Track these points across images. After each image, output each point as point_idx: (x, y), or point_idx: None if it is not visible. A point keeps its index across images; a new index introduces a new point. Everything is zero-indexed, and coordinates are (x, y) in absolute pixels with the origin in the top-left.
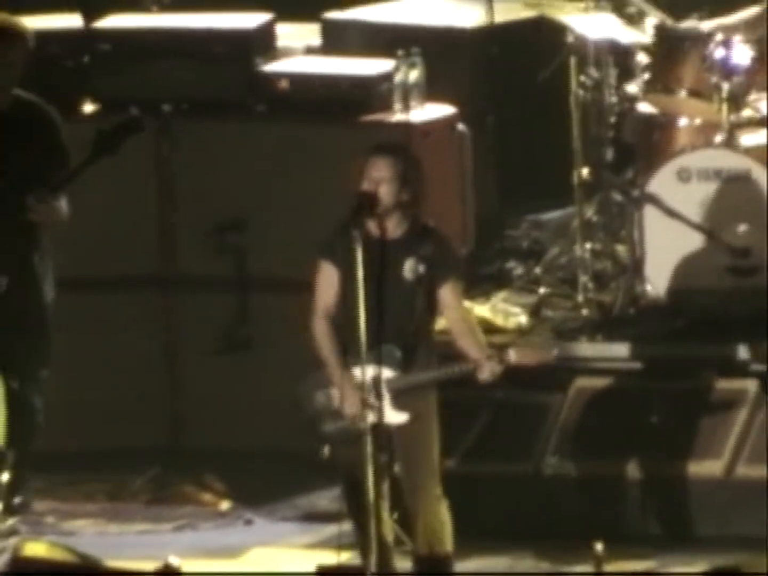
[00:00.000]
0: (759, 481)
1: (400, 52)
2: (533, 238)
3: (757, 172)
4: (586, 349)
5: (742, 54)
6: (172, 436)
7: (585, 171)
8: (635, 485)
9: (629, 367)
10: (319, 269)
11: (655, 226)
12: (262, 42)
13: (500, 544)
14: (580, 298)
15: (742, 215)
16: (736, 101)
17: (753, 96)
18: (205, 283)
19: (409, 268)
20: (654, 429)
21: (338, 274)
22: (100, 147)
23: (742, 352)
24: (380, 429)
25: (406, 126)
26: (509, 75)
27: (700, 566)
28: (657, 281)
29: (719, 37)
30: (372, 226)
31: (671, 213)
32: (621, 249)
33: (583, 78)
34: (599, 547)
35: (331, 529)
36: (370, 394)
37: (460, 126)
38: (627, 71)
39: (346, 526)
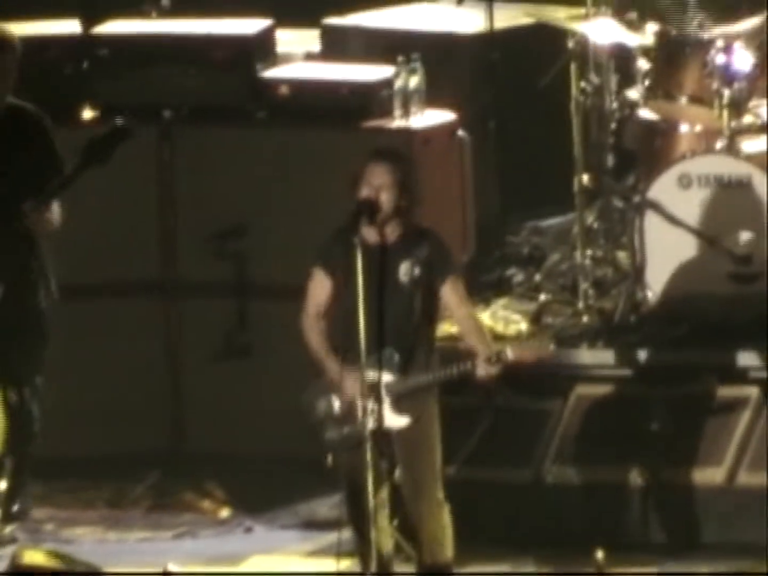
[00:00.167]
0: (761, 488)
1: (400, 58)
2: (534, 244)
3: (758, 178)
4: (587, 355)
5: (743, 60)
6: (172, 442)
7: (586, 177)
8: (636, 492)
9: (630, 374)
10: (312, 275)
11: (656, 233)
12: (262, 48)
13: (501, 550)
14: (580, 304)
15: (743, 222)
16: (737, 107)
17: (754, 102)
18: (205, 289)
19: (405, 271)
20: (655, 436)
21: (331, 282)
22: (91, 155)
23: (744, 358)
24: (381, 434)
25: (407, 132)
26: (510, 81)
27: (702, 573)
28: (658, 288)
29: (720, 43)
30: (369, 232)
31: (672, 219)
32: (622, 255)
33: (583, 84)
34: (600, 554)
35: (330, 537)
36: (371, 398)
37: (461, 132)
38: (628, 77)
39: (346, 534)
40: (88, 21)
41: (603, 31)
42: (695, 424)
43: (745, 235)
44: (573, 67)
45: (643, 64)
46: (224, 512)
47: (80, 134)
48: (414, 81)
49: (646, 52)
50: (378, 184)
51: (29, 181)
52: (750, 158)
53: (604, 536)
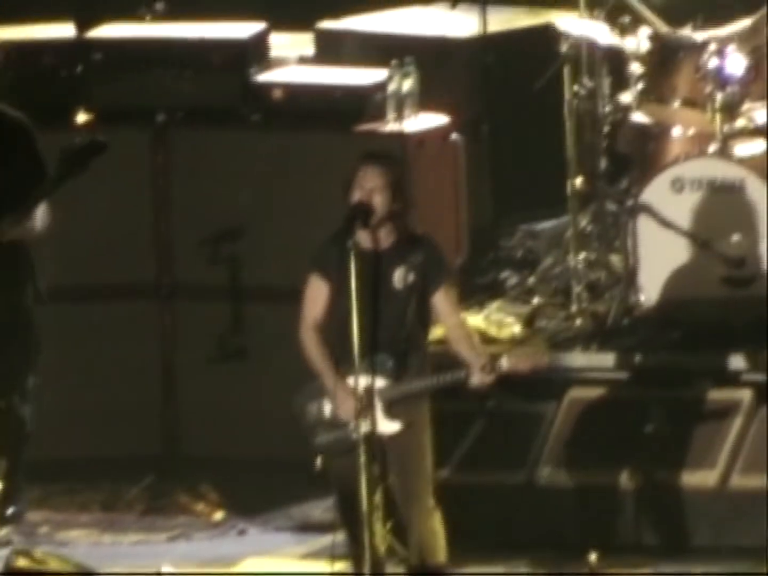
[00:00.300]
0: (754, 491)
1: (393, 62)
2: (527, 247)
3: (751, 181)
4: (580, 359)
5: (736, 63)
6: (166, 446)
7: (579, 181)
8: (629, 495)
9: (623, 377)
10: (308, 282)
11: (649, 236)
12: (257, 51)
13: (494, 554)
14: (574, 308)
15: (736, 225)
16: (730, 111)
17: (747, 105)
18: (200, 293)
19: (399, 277)
20: (648, 439)
21: (328, 287)
22: (67, 168)
23: (737, 361)
24: (373, 439)
25: (400, 135)
26: (503, 84)
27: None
28: (651, 291)
29: (713, 46)
30: (362, 237)
31: (665, 223)
32: (615, 259)
33: (577, 87)
34: (594, 556)
35: (325, 540)
36: (364, 403)
37: (454, 135)
38: (621, 81)
39: (340, 537)
40: (83, 25)
41: (596, 33)
42: (688, 426)
43: (737, 239)
44: (566, 70)
45: (636, 67)
46: (218, 515)
47: (74, 138)
48: (408, 84)
49: (639, 55)
50: (370, 187)
51: (11, 190)
52: (743, 162)
53: (598, 539)
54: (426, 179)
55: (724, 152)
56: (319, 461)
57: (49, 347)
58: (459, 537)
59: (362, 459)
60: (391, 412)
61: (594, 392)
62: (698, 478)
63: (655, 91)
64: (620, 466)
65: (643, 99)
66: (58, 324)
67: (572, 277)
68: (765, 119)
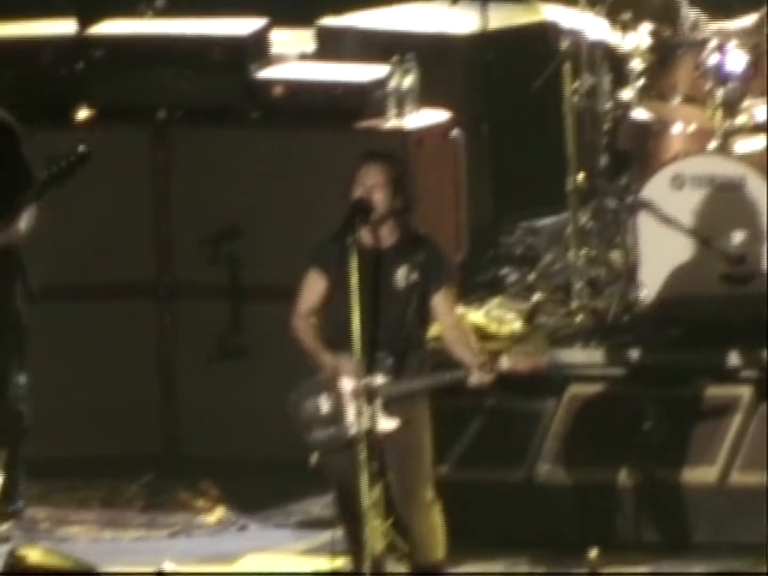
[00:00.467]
0: (753, 487)
1: (394, 59)
2: (527, 244)
3: (752, 178)
4: (580, 355)
5: (736, 60)
6: (166, 444)
7: (579, 177)
8: (629, 492)
9: (623, 374)
10: (306, 276)
11: (649, 233)
12: (257, 48)
13: (493, 550)
14: (574, 304)
15: (736, 222)
16: (731, 108)
17: (747, 102)
18: (199, 292)
19: (401, 276)
20: (648, 435)
21: (325, 282)
22: (53, 179)
23: (736, 359)
24: (371, 436)
25: (401, 132)
26: (504, 81)
27: (695, 573)
28: (651, 288)
29: (713, 43)
30: (364, 235)
31: (665, 220)
32: (615, 256)
33: (577, 84)
34: (593, 553)
35: (325, 536)
36: (363, 400)
37: (455, 132)
38: (621, 77)
39: (340, 533)
40: (83, 22)
41: (596, 29)
42: (688, 423)
43: (738, 236)
44: (566, 67)
45: (636, 64)
46: (219, 511)
47: (75, 135)
48: (408, 81)
49: (639, 52)
50: (371, 184)
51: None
52: (743, 158)
53: (597, 536)
54: (426, 176)
55: (724, 149)
56: (314, 458)
57: (49, 346)
58: (458, 534)
59: (360, 456)
60: (389, 409)
61: (594, 389)
62: (698, 475)
63: (656, 88)
64: (620, 463)
65: (643, 96)
66: (58, 323)
67: (572, 274)
68: (765, 116)
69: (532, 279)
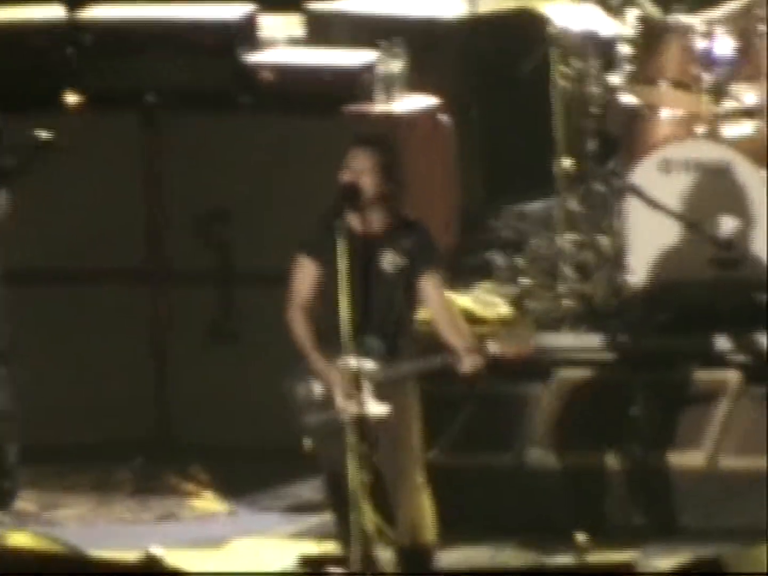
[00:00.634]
0: (741, 471)
1: (383, 43)
2: (516, 228)
3: (739, 163)
4: (568, 340)
5: (724, 45)
6: (156, 429)
7: (567, 162)
8: (618, 476)
9: (612, 359)
10: (297, 264)
11: (637, 218)
12: (246, 33)
13: (482, 535)
14: (562, 289)
15: (724, 207)
16: (718, 93)
17: (735, 87)
18: (190, 276)
19: (389, 260)
20: (636, 420)
21: (316, 269)
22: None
23: (725, 343)
24: (362, 421)
25: (390, 117)
26: (492, 66)
27: (683, 557)
28: (639, 272)
29: (701, 28)
30: (353, 219)
31: (653, 204)
32: (603, 240)
33: (565, 69)
34: (582, 538)
35: (313, 520)
36: (353, 385)
37: (444, 117)
38: (609, 62)
39: (329, 517)
40: (73, 6)
41: (584, 17)
42: (676, 408)
43: (726, 221)
44: (554, 52)
45: (624, 49)
46: (207, 496)
47: (65, 120)
48: (397, 66)
49: (627, 37)
50: (359, 168)
51: None
52: (731, 143)
53: (586, 520)
54: (415, 160)
55: (712, 134)
56: (307, 442)
57: (40, 332)
58: (447, 519)
59: (351, 440)
60: (380, 394)
61: (582, 373)
62: (686, 460)
63: (644, 73)
64: (608, 448)
65: (631, 80)
66: (48, 308)
67: (560, 259)
68: (753, 101)
69: (520, 263)
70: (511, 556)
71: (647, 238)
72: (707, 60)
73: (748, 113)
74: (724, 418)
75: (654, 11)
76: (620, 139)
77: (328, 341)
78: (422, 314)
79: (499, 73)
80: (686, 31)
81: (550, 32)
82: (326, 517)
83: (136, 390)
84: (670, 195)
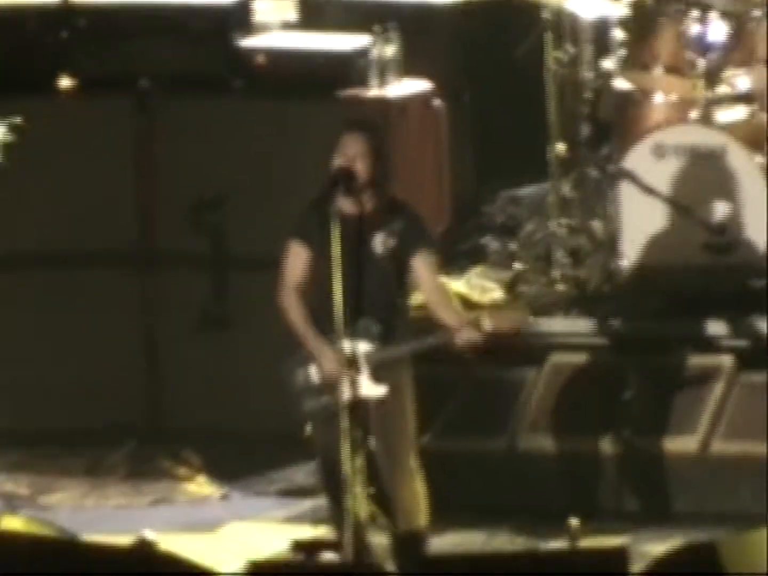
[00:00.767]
0: (734, 457)
1: (376, 28)
2: (509, 213)
3: (733, 148)
4: (561, 324)
5: (717, 30)
6: (148, 413)
7: (561, 147)
8: (611, 461)
9: (605, 343)
10: (289, 249)
11: (630, 203)
12: (239, 17)
13: (475, 519)
14: (555, 273)
15: (717, 192)
16: (712, 78)
17: (729, 72)
18: (182, 261)
19: (380, 242)
20: (629, 405)
21: (309, 255)
22: None
23: (718, 328)
24: (358, 403)
25: (383, 101)
26: (486, 50)
27: (675, 542)
28: (632, 257)
29: (695, 13)
30: (343, 203)
31: (647, 189)
32: (597, 225)
33: (559, 54)
34: (574, 522)
35: (307, 504)
36: (349, 368)
37: (437, 101)
38: (603, 47)
39: (322, 501)
40: None
41: (578, 2)
42: (669, 392)
43: (719, 205)
44: (548, 37)
45: (618, 34)
46: (200, 480)
47: (58, 105)
48: (390, 50)
49: (621, 22)
50: (353, 153)
51: None
52: (724, 128)
53: (579, 505)
54: (408, 145)
55: (705, 119)
56: (308, 428)
57: (32, 315)
58: (440, 503)
59: (344, 424)
60: (377, 376)
61: (575, 358)
62: (679, 445)
63: (637, 58)
64: (601, 433)
65: (625, 65)
66: (38, 291)
67: (553, 243)
68: (747, 86)
69: (513, 248)
70: (504, 540)
71: (640, 223)
72: (701, 45)
73: (741, 98)
74: (717, 404)
75: None
76: (614, 124)
77: (323, 325)
78: (416, 298)
79: (492, 58)
80: (680, 16)
81: (543, 17)
82: (319, 502)
83: (129, 374)
84: (664, 180)
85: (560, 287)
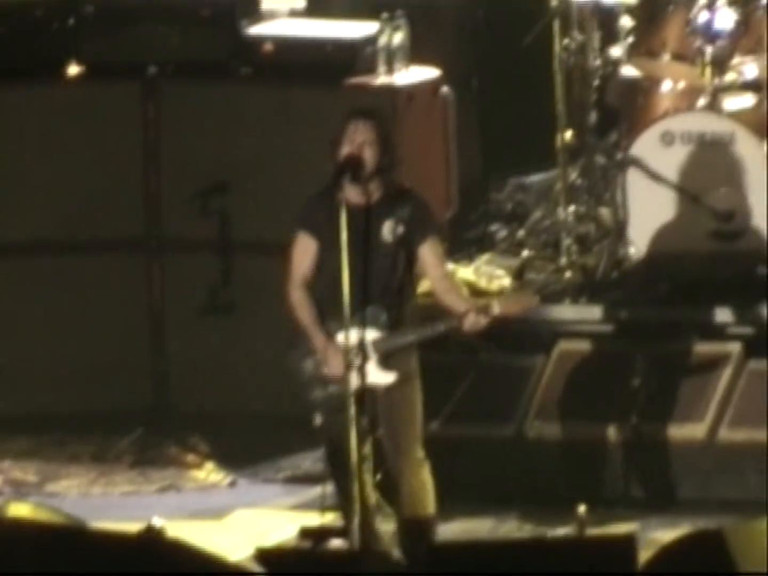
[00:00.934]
0: (741, 444)
1: (384, 15)
2: (517, 201)
3: (740, 136)
4: (569, 311)
5: (725, 18)
6: (155, 399)
7: (569, 134)
8: (618, 448)
9: (612, 330)
10: (296, 240)
11: (638, 190)
12: (247, 5)
13: (483, 506)
14: (563, 261)
15: (725, 179)
16: (720, 65)
17: (736, 60)
18: (188, 246)
19: (388, 230)
20: (637, 392)
21: (316, 244)
22: None
23: (725, 315)
24: (366, 391)
25: (390, 89)
26: (493, 38)
27: (682, 529)
28: (640, 244)
29: (703, 0)
30: (350, 191)
31: (655, 176)
32: (604, 212)
33: (567, 41)
34: (581, 509)
35: (314, 491)
36: (357, 356)
37: (445, 89)
38: (611, 34)
39: (330, 488)
40: None
41: None
42: (677, 380)
43: (726, 193)
44: (556, 24)
45: (626, 21)
46: (208, 466)
47: (66, 91)
48: (398, 38)
49: (629, 9)
50: (361, 141)
51: None
52: (732, 116)
53: (586, 492)
54: (416, 133)
55: (713, 106)
56: (317, 417)
57: (39, 301)
58: (447, 490)
59: (352, 412)
60: (385, 363)
61: (583, 345)
62: (686, 432)
63: (645, 45)
64: (608, 420)
65: (632, 53)
66: (45, 276)
67: (561, 231)
68: (754, 73)
69: (521, 235)
70: (511, 528)
71: (648, 211)
72: (708, 32)
73: (748, 86)
74: (724, 391)
75: None
76: (621, 111)
77: (331, 313)
78: (422, 286)
79: (500, 45)
80: (688, 3)
81: (551, 4)
82: (327, 489)
83: (136, 361)
84: (671, 167)
85: (568, 274)
